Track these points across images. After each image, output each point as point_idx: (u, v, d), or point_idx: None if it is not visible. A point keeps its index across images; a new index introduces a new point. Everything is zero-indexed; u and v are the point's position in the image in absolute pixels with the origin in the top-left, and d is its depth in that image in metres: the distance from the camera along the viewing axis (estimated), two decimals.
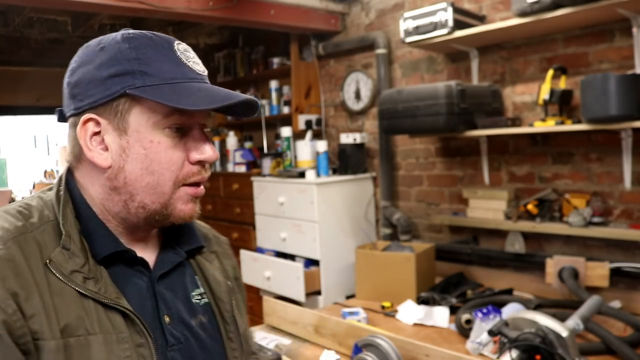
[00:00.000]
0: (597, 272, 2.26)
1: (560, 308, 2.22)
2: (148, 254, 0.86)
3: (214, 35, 4.69)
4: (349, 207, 3.28)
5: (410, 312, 2.36)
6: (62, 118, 0.83)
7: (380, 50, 3.21)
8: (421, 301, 2.47)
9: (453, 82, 2.53)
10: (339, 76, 3.63)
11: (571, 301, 2.24)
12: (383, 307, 2.52)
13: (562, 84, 2.39)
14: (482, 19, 2.73)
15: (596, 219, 2.36)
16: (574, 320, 1.56)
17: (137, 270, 0.82)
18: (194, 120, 0.79)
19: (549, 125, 2.35)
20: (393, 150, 3.29)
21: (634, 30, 2.23)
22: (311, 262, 3.20)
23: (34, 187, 11.81)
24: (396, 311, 2.43)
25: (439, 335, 2.15)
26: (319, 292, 3.15)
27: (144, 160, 0.76)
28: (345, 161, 3.33)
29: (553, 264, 2.35)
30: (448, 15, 2.55)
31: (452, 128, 2.54)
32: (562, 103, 2.38)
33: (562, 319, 1.55)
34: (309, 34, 3.63)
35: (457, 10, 2.58)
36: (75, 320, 0.71)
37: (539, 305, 2.23)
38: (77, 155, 0.82)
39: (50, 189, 0.83)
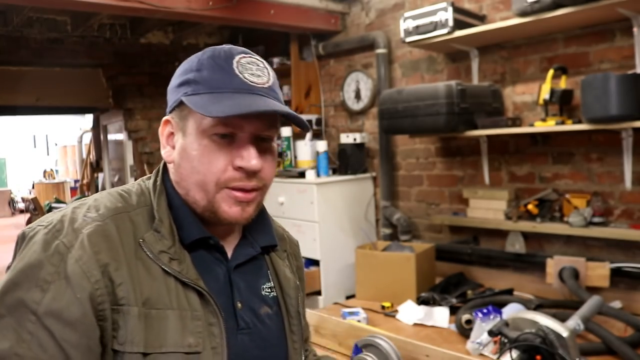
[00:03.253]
0: (598, 272, 2.25)
1: (561, 308, 2.22)
2: (227, 246, 0.94)
3: (214, 35, 4.69)
4: (349, 207, 3.27)
5: (410, 312, 2.36)
6: None
7: (380, 50, 3.20)
8: (421, 301, 2.46)
9: (453, 82, 2.52)
10: (339, 76, 3.63)
11: (571, 301, 2.24)
12: (383, 307, 2.52)
13: (563, 83, 2.39)
14: (482, 19, 2.72)
15: (597, 219, 2.35)
16: (575, 321, 1.56)
17: (216, 259, 0.90)
18: (244, 129, 0.84)
19: (550, 125, 2.35)
20: (393, 150, 3.28)
21: (635, 30, 2.23)
22: (311, 262, 3.19)
23: (33, 186, 11.81)
24: (396, 311, 2.42)
25: (439, 336, 2.15)
26: (319, 292, 3.15)
27: (193, 160, 0.85)
28: (345, 161, 3.32)
29: (553, 264, 2.35)
30: (448, 15, 2.55)
31: (452, 128, 2.54)
32: (563, 103, 2.37)
33: (562, 319, 1.55)
34: (309, 34, 3.62)
35: (457, 10, 2.58)
36: (157, 294, 0.80)
37: (540, 306, 2.23)
38: None
39: (149, 178, 0.94)
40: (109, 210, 0.83)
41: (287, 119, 0.87)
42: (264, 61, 0.89)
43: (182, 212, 0.88)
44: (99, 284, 0.76)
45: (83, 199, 0.89)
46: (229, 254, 0.93)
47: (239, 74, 0.84)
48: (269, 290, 0.96)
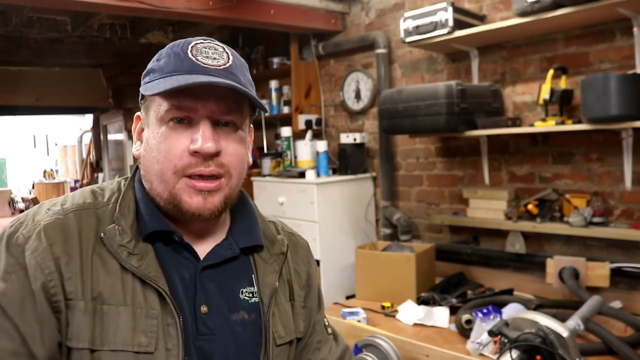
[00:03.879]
0: (598, 272, 2.25)
1: (561, 308, 2.22)
2: (204, 246, 0.89)
3: (214, 35, 4.69)
4: (349, 207, 3.27)
5: (410, 312, 2.36)
6: None
7: (380, 50, 3.20)
8: (421, 301, 2.46)
9: (453, 82, 2.52)
10: (339, 76, 3.63)
11: (572, 301, 2.24)
12: (383, 307, 2.52)
13: (563, 83, 2.39)
14: (482, 19, 2.72)
15: (597, 219, 2.35)
16: (575, 321, 1.56)
17: (185, 258, 0.86)
18: (199, 112, 0.81)
19: (550, 125, 2.35)
20: (393, 150, 3.28)
21: (635, 30, 2.23)
22: None
23: (33, 187, 11.80)
24: (396, 311, 2.42)
25: (439, 336, 2.15)
26: None
27: (153, 150, 0.83)
28: (345, 161, 3.32)
29: (553, 264, 2.35)
30: (448, 15, 2.55)
31: (452, 128, 2.54)
32: (563, 103, 2.37)
33: (562, 319, 1.55)
34: (309, 34, 3.62)
35: (457, 9, 2.58)
36: (110, 290, 0.78)
37: (540, 306, 2.22)
38: None
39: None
40: (74, 205, 0.83)
41: (239, 96, 0.84)
42: (225, 47, 0.87)
43: (143, 205, 0.86)
44: (53, 276, 0.76)
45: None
46: (204, 256, 0.88)
47: (192, 57, 0.82)
48: (250, 295, 0.89)
